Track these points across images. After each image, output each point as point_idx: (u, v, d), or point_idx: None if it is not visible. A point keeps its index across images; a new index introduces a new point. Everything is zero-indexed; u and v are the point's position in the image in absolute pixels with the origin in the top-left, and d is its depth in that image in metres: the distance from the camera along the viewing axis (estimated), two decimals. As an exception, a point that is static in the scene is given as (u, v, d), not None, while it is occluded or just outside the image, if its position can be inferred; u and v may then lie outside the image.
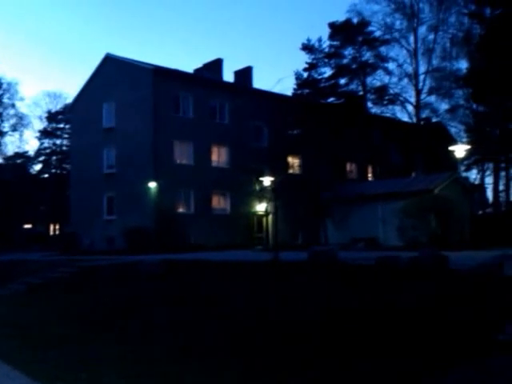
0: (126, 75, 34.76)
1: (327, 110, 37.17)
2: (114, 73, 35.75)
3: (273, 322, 8.71)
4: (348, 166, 42.51)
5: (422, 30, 39.98)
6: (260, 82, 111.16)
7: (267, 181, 29.43)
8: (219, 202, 35.63)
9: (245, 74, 40.94)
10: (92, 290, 14.07)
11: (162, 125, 32.57)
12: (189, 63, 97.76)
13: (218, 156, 35.87)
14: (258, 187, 33.24)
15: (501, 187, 44.57)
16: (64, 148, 60.85)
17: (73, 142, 42.12)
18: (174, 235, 30.55)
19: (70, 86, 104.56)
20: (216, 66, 40.18)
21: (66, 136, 60.11)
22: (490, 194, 47.80)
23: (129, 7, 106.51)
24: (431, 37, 39.89)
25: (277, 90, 35.33)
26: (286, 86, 54.22)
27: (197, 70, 40.74)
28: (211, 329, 8.61)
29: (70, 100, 49.42)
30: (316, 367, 6.49)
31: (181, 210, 33.63)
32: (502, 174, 44.39)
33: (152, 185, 31.65)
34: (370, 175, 43.91)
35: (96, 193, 35.62)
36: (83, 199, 36.78)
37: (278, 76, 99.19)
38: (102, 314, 10.70)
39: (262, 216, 35.90)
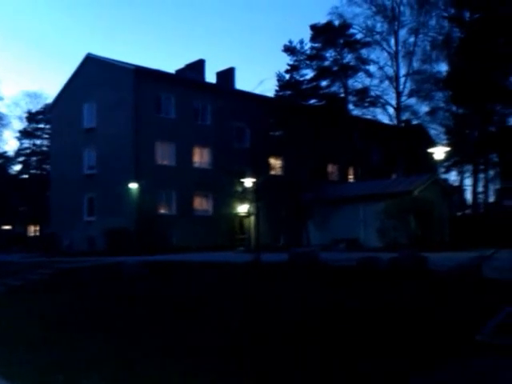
0: (107, 75, 34.54)
1: (309, 112, 37.33)
2: (94, 73, 35.50)
3: (254, 322, 8.73)
4: (329, 168, 42.72)
5: (403, 32, 40.38)
6: (242, 83, 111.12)
7: (249, 182, 29.44)
8: (201, 204, 35.55)
9: (227, 75, 40.94)
10: (72, 291, 13.95)
11: (144, 125, 32.41)
12: (171, 64, 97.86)
13: (200, 157, 35.81)
14: (240, 188, 33.23)
15: (479, 189, 45.09)
16: (44, 148, 60.16)
17: (53, 142, 41.70)
18: (155, 236, 30.41)
19: (50, 85, 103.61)
20: (198, 66, 40.13)
21: (46, 136, 59.47)
22: (468, 195, 48.46)
23: (111, 7, 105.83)
24: (412, 40, 40.32)
25: (259, 91, 35.37)
26: (268, 88, 54.78)
27: (179, 71, 40.64)
28: (194, 330, 8.60)
29: (50, 100, 48.98)
30: (299, 367, 6.53)
31: (162, 211, 33.49)
32: (481, 175, 44.93)
33: (133, 186, 31.46)
34: (351, 177, 44.17)
35: (76, 194, 35.33)
36: (63, 200, 36.45)
37: (260, 77, 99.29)
38: (83, 315, 10.61)
39: (244, 217, 35.92)
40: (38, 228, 58.94)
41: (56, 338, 8.75)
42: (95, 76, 35.30)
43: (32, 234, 59.52)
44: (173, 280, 13.61)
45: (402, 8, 39.77)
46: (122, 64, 34.33)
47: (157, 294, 11.84)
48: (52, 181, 39.74)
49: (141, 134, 32.25)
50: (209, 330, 8.48)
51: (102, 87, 34.40)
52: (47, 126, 56.81)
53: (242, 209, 35.26)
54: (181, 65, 41.53)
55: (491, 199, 48.93)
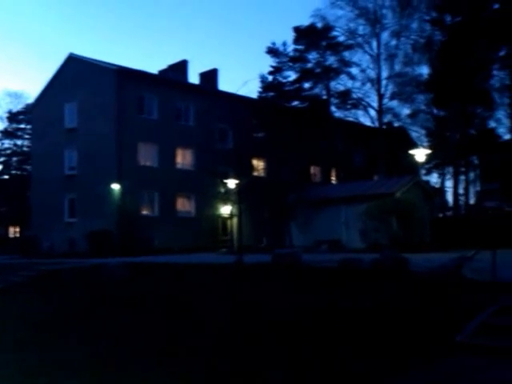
0: (89, 75, 34.27)
1: (292, 114, 37.44)
2: (76, 73, 35.20)
3: (236, 323, 8.72)
4: (312, 169, 42.87)
5: (385, 35, 40.53)
6: (225, 84, 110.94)
7: (232, 183, 29.44)
8: (184, 205, 35.44)
9: (210, 76, 40.88)
10: (54, 293, 13.81)
11: (126, 126, 32.23)
12: (154, 64, 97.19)
13: (183, 158, 35.70)
14: (222, 190, 33.21)
15: (460, 191, 45.57)
16: (25, 149, 59.46)
17: (34, 142, 41.24)
18: (137, 238, 30.25)
19: (32, 85, 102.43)
20: (181, 67, 40.01)
21: (27, 137, 58.78)
22: (449, 197, 48.94)
23: (93, 7, 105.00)
24: (394, 42, 40.52)
25: (242, 92, 35.52)
26: (251, 89, 54.90)
27: (162, 72, 40.45)
28: (177, 331, 8.56)
29: (31, 100, 48.42)
30: (279, 367, 6.53)
31: (145, 212, 33.32)
32: (462, 177, 45.41)
33: (115, 187, 31.26)
34: (333, 178, 44.36)
35: (57, 195, 34.98)
36: (44, 201, 36.06)
37: (243, 79, 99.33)
38: (64, 318, 10.51)
39: (226, 219, 35.88)
40: (18, 229, 58.23)
41: (39, 340, 8.66)
42: (77, 76, 35.01)
43: (12, 236, 58.78)
44: (155, 282, 13.54)
45: (384, 11, 40.00)
46: (105, 64, 34.11)
47: (139, 296, 11.77)
48: (33, 181, 39.30)
49: (123, 135, 32.06)
50: (192, 332, 8.45)
51: (83, 87, 34.13)
52: (28, 126, 56.14)
53: (225, 210, 35.22)
54: (164, 65, 41.41)
55: (472, 201, 49.54)
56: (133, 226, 30.68)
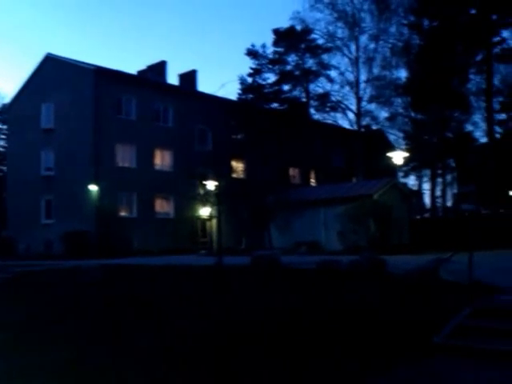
0: (66, 75, 33.91)
1: (271, 116, 37.51)
2: (54, 72, 34.80)
3: (214, 326, 8.67)
4: (291, 171, 43.00)
5: (363, 39, 40.83)
6: (205, 85, 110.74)
7: (211, 185, 29.34)
8: (163, 206, 35.25)
9: (189, 77, 40.74)
10: (29, 296, 13.57)
11: (104, 126, 31.95)
12: (132, 65, 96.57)
13: (162, 159, 35.51)
14: (202, 191, 33.08)
15: (438, 193, 46.16)
16: (0, 149, 58.53)
17: (10, 143, 40.66)
18: (115, 239, 29.98)
19: (8, 85, 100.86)
20: (160, 68, 39.79)
21: (2, 137, 57.86)
22: (427, 199, 49.53)
23: (72, 7, 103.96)
24: (372, 46, 40.84)
25: (221, 94, 35.47)
26: (230, 91, 54.69)
27: (140, 72, 40.17)
28: (154, 335, 8.48)
29: (7, 100, 47.71)
30: (258, 369, 6.50)
31: (123, 213, 33.05)
32: (439, 180, 45.99)
33: (93, 188, 30.95)
34: (312, 180, 44.53)
35: (34, 196, 34.49)
36: (20, 202, 35.51)
37: (222, 80, 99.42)
38: (40, 320, 10.33)
39: (206, 220, 35.77)
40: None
41: (12, 343, 8.49)
42: (54, 76, 34.60)
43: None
44: (132, 284, 13.40)
45: (362, 14, 40.30)
46: (82, 64, 33.77)
47: (116, 299, 11.63)
48: (9, 182, 38.71)
49: (101, 136, 31.77)
50: (169, 335, 8.37)
51: (61, 87, 33.74)
52: (4, 127, 55.30)
53: (204, 211, 35.10)
54: (143, 66, 41.13)
55: (449, 203, 50.22)
56: (111, 228, 30.40)
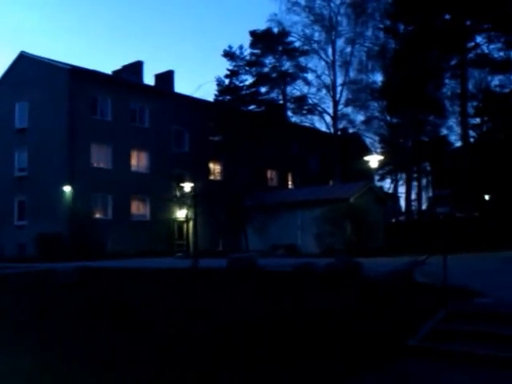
0: (41, 74, 33.41)
1: (248, 117, 37.48)
2: (28, 72, 34.23)
3: (189, 330, 8.59)
4: (269, 174, 43.02)
5: (340, 42, 41.18)
6: (182, 86, 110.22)
7: (188, 187, 29.18)
8: (139, 208, 34.94)
9: (166, 78, 40.46)
10: (2, 299, 13.29)
11: (79, 127, 31.55)
12: (108, 65, 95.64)
13: (138, 160, 35.19)
14: (178, 193, 32.87)
15: (413, 196, 46.72)
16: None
17: (-18, 142, 39.81)
18: (90, 242, 29.61)
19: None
20: (136, 68, 39.42)
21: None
22: (402, 202, 50.03)
23: (47, 5, 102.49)
24: (348, 49, 41.20)
25: (198, 95, 35.20)
26: (207, 92, 54.47)
27: (115, 72, 39.72)
28: (127, 339, 8.36)
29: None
30: (235, 373, 6.45)
31: (98, 215, 32.66)
32: (414, 183, 46.53)
33: (67, 189, 30.53)
34: (290, 183, 44.64)
35: (6, 197, 33.85)
36: (-8, 203, 34.85)
37: (199, 81, 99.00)
38: (10, 324, 10.11)
39: (182, 222, 35.55)
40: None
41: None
42: (29, 75, 34.03)
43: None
44: (106, 287, 13.22)
45: (339, 18, 40.62)
46: (57, 63, 33.33)
47: (89, 302, 11.46)
48: (-20, 183, 37.91)
49: (75, 136, 31.37)
50: (144, 340, 8.27)
51: (35, 86, 33.20)
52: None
53: (181, 214, 34.88)
54: (119, 66, 40.72)
55: (424, 206, 50.82)
56: (85, 230, 30.01)
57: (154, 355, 7.37)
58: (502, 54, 35.09)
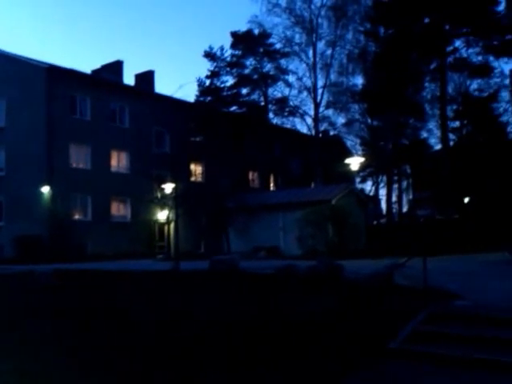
0: (18, 73, 32.98)
1: (229, 119, 37.43)
2: (4, 70, 33.74)
3: (169, 333, 8.51)
4: (250, 175, 43.00)
5: (321, 44, 41.31)
6: (162, 86, 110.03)
7: (169, 188, 29.01)
8: (119, 209, 34.64)
9: (146, 78, 40.23)
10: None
11: (57, 126, 31.18)
12: (88, 64, 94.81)
13: (118, 161, 34.90)
14: (159, 194, 32.66)
15: (394, 199, 47.06)
16: None
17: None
18: (69, 243, 29.30)
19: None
20: (116, 68, 39.11)
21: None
22: (383, 205, 50.39)
23: (26, 3, 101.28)
24: (329, 52, 41.36)
25: (179, 95, 35.02)
26: (188, 93, 54.17)
27: (95, 72, 39.35)
28: (106, 343, 8.24)
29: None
30: (216, 377, 6.40)
31: (77, 216, 32.31)
32: (395, 186, 46.88)
33: (45, 189, 30.15)
34: (271, 185, 44.66)
35: (-18, 197, 33.31)
36: (-32, 204, 34.24)
37: (180, 82, 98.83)
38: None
39: (163, 224, 35.32)
40: None
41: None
42: (5, 73, 33.54)
43: None
44: (85, 290, 13.04)
45: (320, 20, 40.75)
46: (34, 62, 32.94)
47: (67, 305, 11.30)
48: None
49: (54, 136, 31.00)
50: (123, 343, 8.16)
51: (12, 85, 32.76)
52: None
53: (162, 215, 34.65)
54: (97, 65, 40.34)
55: (405, 209, 51.27)
56: (64, 231, 29.67)
57: (126, 358, 7.29)
58: (480, 58, 35.58)
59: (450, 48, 34.67)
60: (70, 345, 8.35)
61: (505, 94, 40.85)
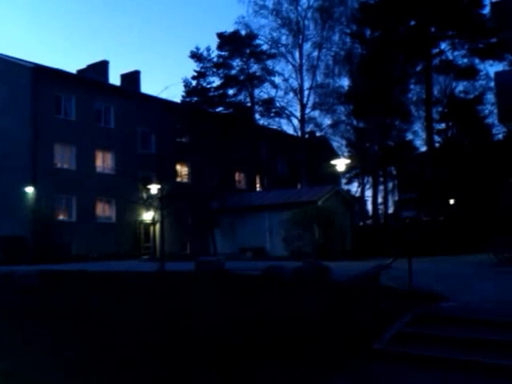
0: (2, 72, 32.57)
1: (216, 119, 37.32)
2: (-11, 69, 33.32)
3: (155, 334, 8.44)
4: (237, 176, 42.90)
5: (307, 46, 41.26)
6: (148, 87, 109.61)
7: (154, 188, 28.83)
8: (104, 210, 34.36)
9: (132, 78, 39.96)
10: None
11: (42, 126, 30.85)
12: (73, 64, 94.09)
13: (103, 161, 34.62)
14: (144, 195, 32.44)
15: (379, 200, 47.22)
16: None
17: None
18: (53, 244, 29.00)
19: None
20: (101, 68, 38.79)
21: None
22: (369, 206, 50.62)
23: (11, 2, 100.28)
24: (315, 54, 41.34)
25: (165, 96, 34.75)
26: (174, 93, 53.91)
27: (80, 71, 39.01)
28: (91, 345, 8.15)
29: None
30: (199, 379, 6.36)
31: (61, 217, 31.99)
32: (381, 187, 47.07)
33: (29, 190, 29.81)
34: (258, 185, 44.60)
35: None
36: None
37: (166, 82, 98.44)
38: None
39: (149, 225, 35.11)
40: None
41: None
42: (-10, 72, 33.14)
43: None
44: (69, 291, 12.90)
45: (306, 22, 40.70)
46: (20, 61, 32.57)
47: (50, 307, 11.16)
48: None
49: (38, 135, 30.65)
50: (107, 345, 8.07)
51: (-3, 84, 32.37)
52: None
53: (147, 216, 34.45)
54: (83, 65, 39.98)
55: (390, 210, 51.51)
56: (49, 232, 29.35)
57: (103, 360, 7.22)
58: (465, 60, 35.87)
59: (436, 50, 34.91)
60: (52, 344, 8.26)
61: (490, 97, 41.20)
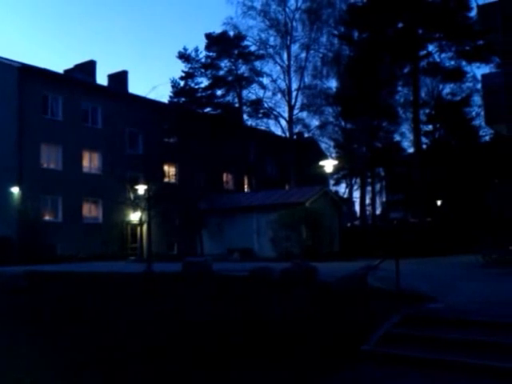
0: (-12, 71, 32.23)
1: (204, 120, 37.25)
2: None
3: (141, 336, 8.36)
4: (225, 177, 42.83)
5: (295, 47, 41.37)
6: (136, 87, 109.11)
7: (142, 189, 28.70)
8: (91, 210, 34.13)
9: (120, 79, 39.75)
10: None
11: (28, 126, 30.57)
12: (60, 64, 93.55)
13: (90, 161, 34.39)
14: (132, 195, 32.27)
15: (367, 201, 47.36)
16: None
17: None
18: (40, 245, 28.73)
19: None
20: (89, 67, 38.55)
21: None
22: (357, 207, 50.74)
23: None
24: (303, 55, 41.44)
25: (152, 96, 34.60)
26: (162, 94, 53.74)
27: (67, 71, 38.71)
28: (78, 346, 8.06)
29: None
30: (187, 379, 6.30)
31: (48, 217, 31.72)
32: (369, 188, 47.21)
33: (15, 190, 29.54)
34: (246, 186, 44.55)
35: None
36: None
37: (154, 82, 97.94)
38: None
39: (136, 225, 34.94)
40: None
41: None
42: (-25, 72, 32.77)
43: None
44: (54, 292, 12.77)
45: (294, 23, 40.80)
46: (6, 61, 32.21)
47: (35, 308, 11.04)
48: None
49: (24, 135, 30.37)
50: (94, 346, 7.99)
51: (-18, 84, 32.01)
52: None
53: (135, 216, 34.27)
54: (70, 65, 39.67)
55: (378, 211, 51.71)
56: (35, 233, 29.09)
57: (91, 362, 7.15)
58: (452, 62, 36.11)
59: (423, 52, 35.10)
60: (37, 345, 8.15)
61: (477, 99, 41.57)
